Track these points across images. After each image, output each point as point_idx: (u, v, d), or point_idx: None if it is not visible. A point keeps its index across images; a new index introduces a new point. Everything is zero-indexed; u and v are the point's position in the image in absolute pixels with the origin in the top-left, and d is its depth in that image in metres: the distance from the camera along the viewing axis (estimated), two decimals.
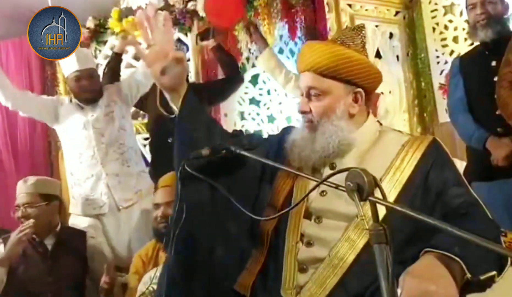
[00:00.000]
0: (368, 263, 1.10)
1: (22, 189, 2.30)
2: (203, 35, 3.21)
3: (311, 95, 1.25)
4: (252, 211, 1.22)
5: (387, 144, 1.26)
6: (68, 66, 2.62)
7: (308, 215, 1.24)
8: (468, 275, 0.97)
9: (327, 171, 1.26)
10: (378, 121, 1.46)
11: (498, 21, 2.27)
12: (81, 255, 2.36)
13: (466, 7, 2.41)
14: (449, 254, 0.98)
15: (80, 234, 2.43)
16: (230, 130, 3.15)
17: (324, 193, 1.23)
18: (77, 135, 2.60)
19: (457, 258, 0.97)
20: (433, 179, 1.18)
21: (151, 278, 1.42)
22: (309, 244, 1.21)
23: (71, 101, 2.66)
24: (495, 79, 2.24)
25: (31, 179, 2.36)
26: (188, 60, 3.74)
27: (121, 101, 2.70)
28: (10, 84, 2.67)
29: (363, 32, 1.28)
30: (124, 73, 3.78)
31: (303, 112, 1.27)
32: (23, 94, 2.73)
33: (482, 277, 0.99)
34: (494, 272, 1.00)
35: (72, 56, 2.52)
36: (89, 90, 2.59)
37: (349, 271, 1.14)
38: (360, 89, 1.25)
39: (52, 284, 2.19)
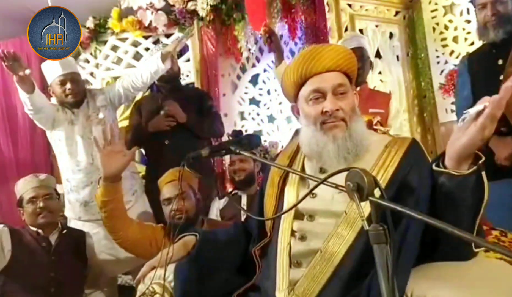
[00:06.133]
0: (360, 255, 1.15)
1: (35, 183, 2.30)
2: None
3: (339, 93, 1.25)
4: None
5: (370, 145, 1.28)
6: (51, 73, 2.60)
7: (299, 216, 1.29)
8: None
9: (317, 174, 1.29)
10: (379, 121, 1.47)
11: (508, 20, 2.26)
12: (82, 253, 2.39)
13: (475, 7, 2.39)
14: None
15: (81, 234, 2.45)
16: (230, 130, 3.20)
17: (314, 195, 1.25)
18: (73, 144, 2.59)
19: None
20: (412, 178, 1.20)
21: (151, 278, 1.42)
22: (302, 238, 1.26)
23: (58, 110, 2.61)
24: (501, 77, 2.23)
25: (42, 175, 2.38)
26: (188, 60, 3.75)
27: (110, 106, 2.70)
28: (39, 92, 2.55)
29: None
30: (125, 72, 3.81)
31: (336, 111, 1.23)
32: (45, 103, 2.61)
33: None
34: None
35: (54, 62, 2.51)
36: (73, 93, 2.57)
37: (341, 264, 1.18)
38: (356, 90, 1.32)
39: (55, 279, 2.20)
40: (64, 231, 2.35)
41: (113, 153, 1.94)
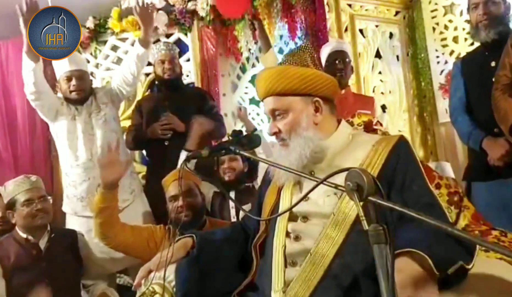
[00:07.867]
0: (349, 256, 1.17)
1: (28, 185, 2.27)
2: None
3: (276, 116, 1.36)
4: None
5: (358, 146, 1.32)
6: (60, 68, 2.63)
7: (293, 218, 1.31)
8: (436, 272, 0.99)
9: (306, 180, 1.31)
10: (378, 121, 1.47)
11: (500, 21, 2.26)
12: (75, 254, 2.36)
13: (468, 7, 2.39)
14: (419, 252, 1.00)
15: (72, 234, 2.42)
16: (230, 130, 3.20)
17: (307, 198, 1.28)
18: (74, 139, 2.60)
19: (425, 256, 0.99)
20: (397, 176, 1.22)
21: (151, 278, 1.42)
22: (297, 238, 1.28)
23: (62, 104, 2.64)
24: (494, 79, 2.24)
25: (33, 176, 2.35)
26: (188, 60, 3.74)
27: (111, 103, 2.72)
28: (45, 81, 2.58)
29: (309, 49, 1.39)
30: None
31: (273, 134, 1.38)
32: (48, 89, 2.62)
33: (449, 271, 1.01)
34: (460, 263, 1.03)
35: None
36: (78, 90, 2.59)
37: (331, 266, 1.18)
38: (317, 99, 1.33)
39: (49, 285, 2.17)
40: (52, 235, 2.30)
41: (110, 163, 2.11)
